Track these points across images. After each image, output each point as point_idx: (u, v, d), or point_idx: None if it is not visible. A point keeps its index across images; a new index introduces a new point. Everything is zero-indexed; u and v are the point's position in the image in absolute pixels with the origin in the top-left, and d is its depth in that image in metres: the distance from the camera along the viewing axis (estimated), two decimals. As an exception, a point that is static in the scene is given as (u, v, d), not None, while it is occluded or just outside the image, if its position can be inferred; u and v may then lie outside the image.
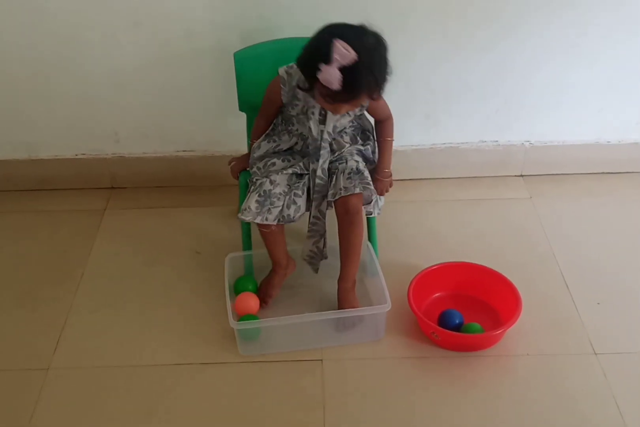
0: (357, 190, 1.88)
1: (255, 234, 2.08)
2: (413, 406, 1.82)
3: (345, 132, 1.97)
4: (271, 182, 1.91)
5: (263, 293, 2.08)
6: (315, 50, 1.69)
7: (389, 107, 1.99)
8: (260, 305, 2.04)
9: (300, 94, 1.86)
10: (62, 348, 2.00)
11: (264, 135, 2.00)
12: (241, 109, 2.18)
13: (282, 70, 1.86)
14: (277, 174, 1.92)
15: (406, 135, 2.50)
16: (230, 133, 2.42)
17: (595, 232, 2.37)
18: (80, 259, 2.30)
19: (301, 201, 1.94)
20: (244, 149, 2.22)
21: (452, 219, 2.45)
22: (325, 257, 2.05)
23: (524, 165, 2.61)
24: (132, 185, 2.61)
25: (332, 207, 1.95)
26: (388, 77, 1.75)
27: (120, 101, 2.40)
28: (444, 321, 1.98)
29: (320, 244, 2.02)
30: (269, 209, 1.91)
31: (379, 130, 2.02)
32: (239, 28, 2.21)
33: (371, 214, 2.03)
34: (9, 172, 2.57)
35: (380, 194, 2.03)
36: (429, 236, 2.36)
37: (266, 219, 1.92)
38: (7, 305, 2.15)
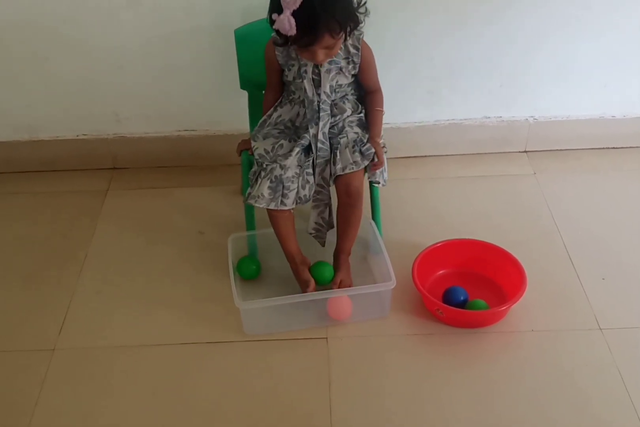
0: (366, 163, 1.89)
1: (259, 214, 2.07)
2: (418, 382, 1.83)
3: (347, 99, 1.96)
4: (282, 167, 1.89)
5: (303, 287, 2.01)
6: (270, 4, 1.74)
7: (385, 83, 2.00)
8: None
9: (294, 53, 1.87)
10: (68, 329, 2.00)
11: (272, 109, 2.00)
12: (242, 87, 2.17)
13: (274, 33, 1.86)
14: (287, 158, 1.90)
15: (409, 111, 2.49)
16: (231, 112, 2.40)
17: (600, 207, 2.36)
18: (83, 240, 2.30)
19: (312, 179, 1.94)
20: (245, 128, 2.21)
21: (456, 196, 2.44)
22: (332, 226, 2.03)
23: (527, 141, 2.60)
24: (134, 165, 2.60)
25: (332, 184, 1.94)
26: (350, 12, 1.76)
27: (120, 81, 2.38)
28: (449, 298, 1.98)
29: (326, 215, 2.00)
30: (285, 193, 1.90)
31: (369, 101, 2.00)
32: (239, 5, 2.19)
33: (378, 184, 2.00)
34: (10, 153, 2.56)
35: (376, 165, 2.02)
36: (433, 213, 2.35)
37: (283, 204, 1.91)
38: (12, 287, 2.15)
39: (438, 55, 2.36)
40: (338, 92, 1.93)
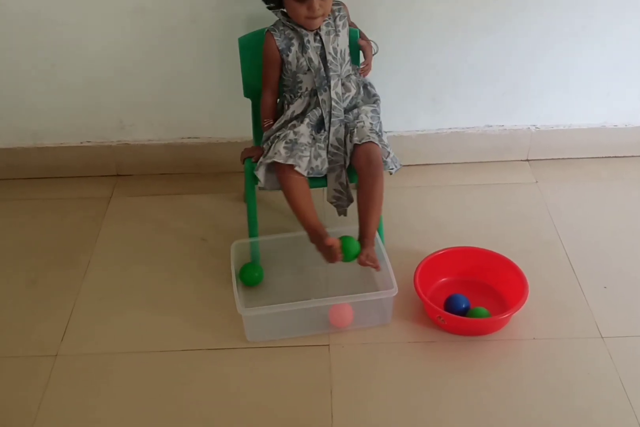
0: (381, 145, 1.93)
1: (262, 223, 2.08)
2: (419, 390, 1.83)
3: (351, 78, 2.02)
4: (295, 133, 1.92)
5: (332, 262, 1.90)
6: None
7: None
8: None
9: (292, 33, 1.93)
10: (70, 335, 2.01)
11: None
12: (246, 95, 2.18)
13: (268, 27, 1.97)
14: (298, 126, 1.94)
15: (411, 120, 2.50)
16: (235, 120, 2.42)
17: (602, 216, 2.37)
18: (86, 247, 2.31)
19: (324, 154, 1.96)
20: (249, 135, 2.23)
21: (458, 204, 2.44)
22: (352, 200, 2.01)
23: (530, 149, 2.60)
24: (138, 172, 2.61)
25: (350, 159, 1.95)
26: None
27: (125, 88, 2.40)
28: (451, 306, 1.98)
29: (343, 178, 1.98)
30: (300, 156, 1.90)
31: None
32: (243, 13, 2.20)
33: (392, 169, 2.00)
34: (15, 160, 2.57)
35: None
36: (435, 221, 2.36)
37: (298, 165, 1.90)
38: (15, 292, 2.16)
39: (441, 64, 2.37)
40: (342, 57, 1.98)
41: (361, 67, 2.05)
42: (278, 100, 2.09)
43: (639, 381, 1.83)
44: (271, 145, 1.96)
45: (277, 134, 1.97)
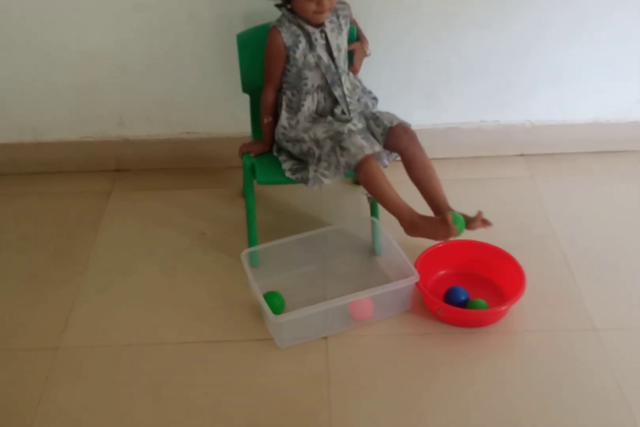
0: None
1: (260, 215, 2.09)
2: (417, 381, 1.86)
3: (351, 75, 2.05)
4: (354, 124, 1.95)
5: (443, 234, 1.88)
6: None
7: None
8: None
9: (298, 30, 1.94)
10: (71, 328, 2.03)
11: (287, 111, 2.04)
12: (244, 91, 2.20)
13: (273, 22, 1.97)
14: (343, 121, 1.98)
15: (407, 115, 2.48)
16: (233, 115, 2.44)
17: (595, 210, 2.40)
18: (86, 241, 2.32)
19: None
20: (247, 130, 2.24)
21: (454, 199, 2.42)
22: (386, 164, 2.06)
23: (524, 144, 2.63)
24: (137, 167, 2.63)
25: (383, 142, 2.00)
26: None
27: (124, 84, 2.41)
28: (450, 298, 2.01)
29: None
30: (373, 142, 1.94)
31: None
32: (241, 10, 2.22)
33: (385, 166, 2.05)
34: (15, 155, 2.58)
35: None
36: (430, 215, 2.36)
37: (379, 146, 1.94)
38: (16, 286, 2.17)
39: (435, 60, 2.39)
40: (343, 55, 2.00)
41: (349, 69, 2.07)
42: (276, 96, 2.11)
43: (632, 372, 1.86)
44: (338, 145, 1.92)
45: (340, 129, 1.93)
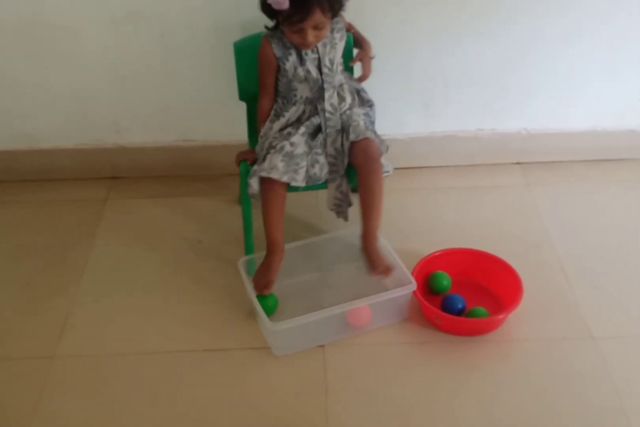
0: (377, 141, 1.97)
1: (256, 222, 2.09)
2: (414, 390, 1.85)
3: (344, 88, 2.03)
4: (291, 144, 1.94)
5: (264, 281, 1.97)
6: None
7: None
8: (262, 293, 1.98)
9: (289, 42, 1.93)
10: (67, 337, 2.02)
11: (270, 121, 2.04)
12: (241, 99, 2.20)
13: (265, 32, 1.96)
14: (294, 135, 1.96)
15: (404, 123, 2.52)
16: (230, 123, 2.43)
17: (591, 218, 2.40)
18: (82, 249, 2.31)
19: (322, 159, 1.97)
20: (244, 138, 2.24)
21: (450, 207, 2.47)
22: (351, 204, 2.04)
23: (520, 152, 2.63)
24: (133, 175, 2.62)
25: (348, 157, 1.97)
26: None
27: (120, 91, 2.41)
28: (448, 306, 2.01)
29: (344, 187, 2.01)
30: (296, 169, 1.93)
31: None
32: (238, 18, 2.21)
33: (388, 173, 2.02)
34: (10, 162, 2.58)
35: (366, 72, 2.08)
36: (428, 223, 2.38)
37: (295, 180, 1.93)
38: (11, 294, 2.16)
39: (433, 68, 2.39)
40: (336, 69, 1.98)
41: (358, 77, 2.06)
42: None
43: (630, 380, 1.86)
44: (266, 154, 1.97)
45: (274, 143, 1.97)
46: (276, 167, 1.90)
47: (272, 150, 1.95)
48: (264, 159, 1.96)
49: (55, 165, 2.59)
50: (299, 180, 1.93)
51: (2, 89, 2.40)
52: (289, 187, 1.97)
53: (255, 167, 1.97)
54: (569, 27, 2.32)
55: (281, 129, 2.02)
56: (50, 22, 2.24)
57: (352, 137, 1.95)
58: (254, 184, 1.95)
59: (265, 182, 1.94)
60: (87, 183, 2.60)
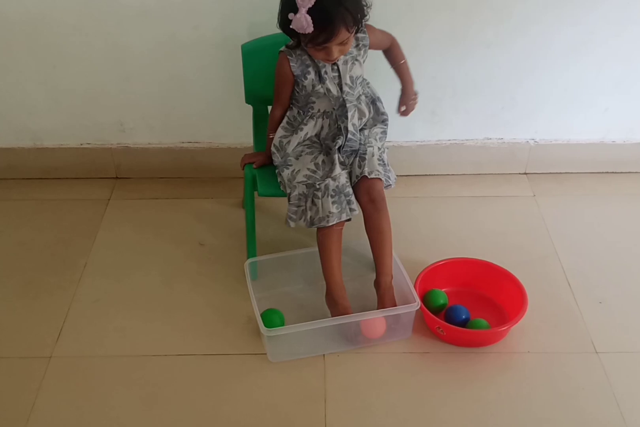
0: (385, 181, 1.97)
1: (259, 226, 2.08)
2: (415, 400, 1.83)
3: (361, 99, 2.00)
4: (334, 179, 1.92)
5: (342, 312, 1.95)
6: (283, 6, 1.79)
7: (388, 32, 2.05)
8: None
9: (309, 59, 1.90)
10: (65, 337, 2.00)
11: (284, 129, 2.01)
12: (247, 102, 2.19)
13: (283, 48, 1.92)
14: (334, 170, 1.93)
15: (411, 130, 2.51)
16: (235, 125, 2.43)
17: (598, 231, 2.38)
18: (83, 249, 2.30)
19: (343, 173, 1.97)
20: (249, 141, 2.23)
21: (456, 216, 2.45)
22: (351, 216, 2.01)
23: (528, 163, 2.62)
24: (137, 175, 2.62)
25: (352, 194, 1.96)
26: (360, 5, 1.79)
27: (126, 91, 2.40)
28: (451, 317, 1.99)
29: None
30: (349, 200, 1.93)
31: (390, 57, 2.08)
32: (246, 20, 2.21)
33: (390, 186, 2.03)
34: (14, 160, 2.57)
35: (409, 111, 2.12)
36: (433, 232, 2.37)
37: (353, 211, 1.94)
38: (10, 294, 2.15)
39: (441, 76, 2.38)
40: (356, 84, 1.95)
41: (401, 110, 2.10)
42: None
43: (632, 396, 1.84)
44: (311, 198, 1.92)
45: (318, 185, 1.92)
46: (330, 213, 1.90)
47: (318, 193, 1.91)
48: (312, 202, 1.93)
49: (59, 164, 2.58)
50: (356, 209, 1.94)
51: (7, 87, 2.40)
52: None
53: (304, 215, 1.95)
54: (579, 38, 2.31)
55: (299, 144, 2.00)
56: (57, 21, 2.23)
57: (366, 170, 1.94)
58: (294, 223, 1.97)
59: (323, 229, 1.94)
60: (90, 183, 2.60)
